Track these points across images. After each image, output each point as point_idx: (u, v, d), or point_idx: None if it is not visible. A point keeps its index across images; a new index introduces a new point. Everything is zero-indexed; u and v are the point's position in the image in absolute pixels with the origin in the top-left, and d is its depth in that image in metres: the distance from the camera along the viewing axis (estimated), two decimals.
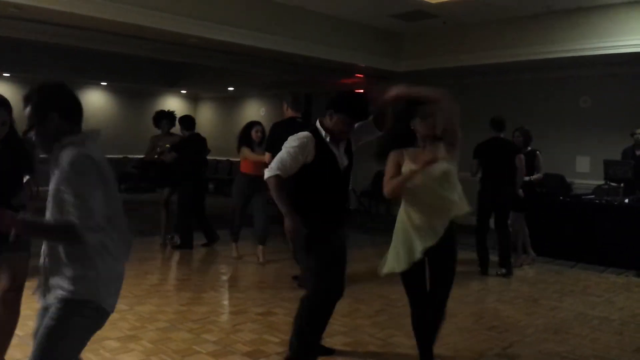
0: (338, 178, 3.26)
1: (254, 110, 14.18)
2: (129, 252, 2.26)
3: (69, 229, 1.92)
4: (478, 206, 6.15)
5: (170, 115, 7.28)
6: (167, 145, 7.00)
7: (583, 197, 7.26)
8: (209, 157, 7.83)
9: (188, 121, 7.15)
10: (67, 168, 1.96)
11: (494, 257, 6.24)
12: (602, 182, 7.30)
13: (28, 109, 2.09)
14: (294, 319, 3.34)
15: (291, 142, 3.14)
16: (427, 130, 3.07)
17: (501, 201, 6.12)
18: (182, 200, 6.98)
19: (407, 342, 3.94)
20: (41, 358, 1.99)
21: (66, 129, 2.08)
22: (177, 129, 7.22)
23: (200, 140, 7.21)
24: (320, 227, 3.17)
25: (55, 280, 2.04)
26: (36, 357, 1.99)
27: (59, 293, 2.01)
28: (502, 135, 6.25)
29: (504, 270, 6.09)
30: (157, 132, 7.28)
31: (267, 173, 3.11)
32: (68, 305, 2.00)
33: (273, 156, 3.30)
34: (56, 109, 2.08)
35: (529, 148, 6.52)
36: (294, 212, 3.06)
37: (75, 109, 2.16)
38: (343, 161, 3.27)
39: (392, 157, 3.12)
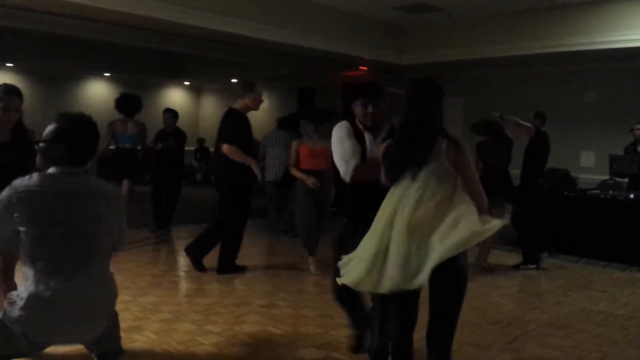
0: None
1: None
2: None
3: None
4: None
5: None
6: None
7: (588, 192, 7.23)
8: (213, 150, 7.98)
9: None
10: None
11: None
12: (607, 177, 7.27)
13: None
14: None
15: (338, 132, 3.07)
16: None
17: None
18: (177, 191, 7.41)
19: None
20: None
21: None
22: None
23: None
24: (349, 220, 3.14)
25: None
26: None
27: None
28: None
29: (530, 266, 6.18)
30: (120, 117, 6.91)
31: (345, 176, 2.95)
32: None
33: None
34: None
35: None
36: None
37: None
38: (374, 152, 2.98)
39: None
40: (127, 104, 6.77)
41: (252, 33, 7.51)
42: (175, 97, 15.01)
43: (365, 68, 10.20)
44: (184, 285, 5.14)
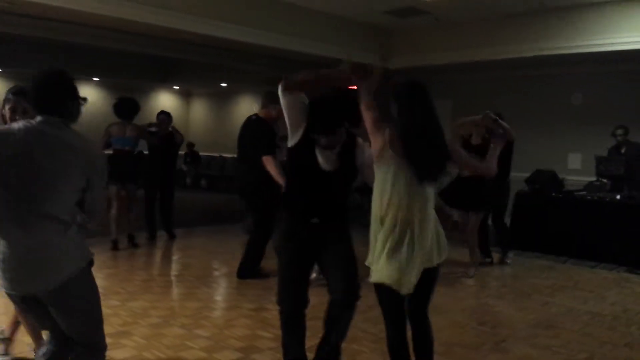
0: (316, 178, 2.87)
1: (247, 107, 14.13)
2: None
3: None
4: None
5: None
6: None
7: (575, 193, 7.30)
8: (203, 154, 7.91)
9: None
10: None
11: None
12: (593, 178, 7.34)
13: None
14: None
15: None
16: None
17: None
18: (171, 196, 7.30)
19: None
20: None
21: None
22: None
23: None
24: (288, 225, 2.97)
25: None
26: None
27: None
28: None
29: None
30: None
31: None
32: None
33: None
34: None
35: None
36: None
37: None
38: (328, 164, 2.85)
39: None
40: (124, 108, 6.74)
41: (241, 37, 7.52)
42: (165, 101, 14.97)
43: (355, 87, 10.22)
44: (173, 290, 5.13)
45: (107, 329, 3.86)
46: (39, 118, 2.32)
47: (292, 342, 3.03)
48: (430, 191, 2.64)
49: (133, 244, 6.71)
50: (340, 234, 2.99)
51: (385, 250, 2.58)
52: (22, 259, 2.19)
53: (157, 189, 7.26)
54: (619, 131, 7.30)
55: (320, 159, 2.84)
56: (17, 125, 2.30)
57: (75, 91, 2.45)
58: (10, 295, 2.30)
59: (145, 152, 7.30)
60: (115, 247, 6.49)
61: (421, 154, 2.58)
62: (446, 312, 4.66)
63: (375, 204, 2.65)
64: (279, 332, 3.85)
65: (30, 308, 2.34)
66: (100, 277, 5.43)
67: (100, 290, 5.00)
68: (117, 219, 6.54)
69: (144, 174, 7.14)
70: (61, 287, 2.22)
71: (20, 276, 2.20)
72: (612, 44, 7.24)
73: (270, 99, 5.34)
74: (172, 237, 7.31)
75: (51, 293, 2.22)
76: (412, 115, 2.63)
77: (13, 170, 2.19)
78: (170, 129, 7.33)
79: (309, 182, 2.91)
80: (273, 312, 4.36)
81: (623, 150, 7.32)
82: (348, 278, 2.94)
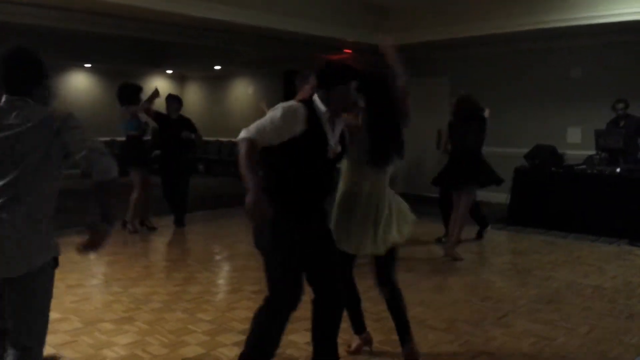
0: (324, 165, 2.72)
1: (242, 89, 14.03)
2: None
3: None
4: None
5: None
6: None
7: (575, 167, 7.28)
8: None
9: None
10: None
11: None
12: (593, 152, 7.32)
13: None
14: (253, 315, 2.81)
15: (278, 112, 2.57)
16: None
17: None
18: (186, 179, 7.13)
19: None
20: None
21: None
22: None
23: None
24: (288, 217, 2.66)
25: None
26: None
27: None
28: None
29: None
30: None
31: (242, 134, 2.54)
32: None
33: None
34: None
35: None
36: (259, 189, 2.47)
37: None
38: (336, 147, 2.72)
39: None
40: (122, 93, 6.70)
41: (234, 18, 7.41)
42: (159, 85, 14.80)
43: (350, 51, 10.13)
44: (174, 275, 5.12)
45: (110, 315, 3.89)
46: (4, 99, 2.22)
47: (278, 338, 2.79)
48: (387, 171, 3.06)
49: (148, 227, 6.83)
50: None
51: (346, 218, 2.99)
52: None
53: (171, 175, 7.03)
54: (620, 105, 7.25)
55: (331, 143, 2.69)
56: None
57: (42, 71, 2.32)
58: None
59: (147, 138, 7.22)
60: (124, 226, 6.63)
61: (381, 142, 2.97)
62: (448, 289, 4.68)
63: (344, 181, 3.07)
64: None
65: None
66: (101, 264, 5.43)
67: (101, 277, 5.02)
68: (136, 201, 6.62)
69: (158, 159, 7.07)
70: (30, 274, 2.15)
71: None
72: (611, 15, 7.16)
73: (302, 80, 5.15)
74: (180, 225, 7.10)
75: (20, 279, 2.14)
76: (378, 106, 3.00)
77: None
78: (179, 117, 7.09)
79: (319, 171, 2.72)
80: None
81: (622, 124, 7.28)
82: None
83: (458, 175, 5.75)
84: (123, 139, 6.90)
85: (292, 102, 2.69)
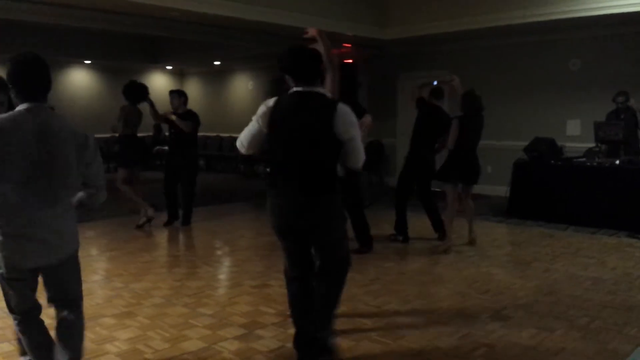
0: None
1: (242, 85, 14.02)
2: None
3: None
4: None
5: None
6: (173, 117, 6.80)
7: (574, 160, 7.28)
8: (200, 134, 7.65)
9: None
10: None
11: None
12: (592, 144, 7.32)
13: None
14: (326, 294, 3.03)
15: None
16: None
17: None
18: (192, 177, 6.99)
19: (401, 309, 3.98)
20: None
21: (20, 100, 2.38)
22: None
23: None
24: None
25: None
26: None
27: None
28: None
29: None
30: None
31: None
32: None
33: None
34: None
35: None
36: None
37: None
38: None
39: None
40: (129, 92, 6.71)
41: (232, 13, 7.40)
42: (159, 81, 14.83)
43: (350, 45, 10.11)
44: (175, 270, 5.14)
45: (111, 310, 3.91)
46: (26, 105, 2.36)
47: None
48: None
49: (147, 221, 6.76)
50: None
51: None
52: (46, 233, 2.41)
53: (174, 173, 6.91)
54: (620, 98, 7.24)
55: None
56: (15, 114, 2.35)
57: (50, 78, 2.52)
58: (15, 271, 2.43)
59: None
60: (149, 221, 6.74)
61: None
62: (447, 282, 4.69)
63: None
64: (281, 307, 3.90)
65: (27, 283, 2.50)
66: (102, 260, 5.45)
67: (103, 272, 5.04)
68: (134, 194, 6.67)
69: (164, 155, 7.05)
70: (72, 256, 2.55)
71: (43, 249, 2.41)
72: (610, 7, 7.13)
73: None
74: (186, 223, 6.97)
75: (64, 262, 2.50)
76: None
77: (29, 153, 2.32)
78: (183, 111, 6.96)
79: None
80: (275, 289, 4.39)
81: (622, 116, 7.27)
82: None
83: (472, 169, 5.77)
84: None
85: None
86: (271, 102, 2.93)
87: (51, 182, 2.37)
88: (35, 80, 2.39)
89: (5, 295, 2.53)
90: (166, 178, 6.99)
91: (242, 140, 2.99)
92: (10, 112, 2.38)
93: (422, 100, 6.11)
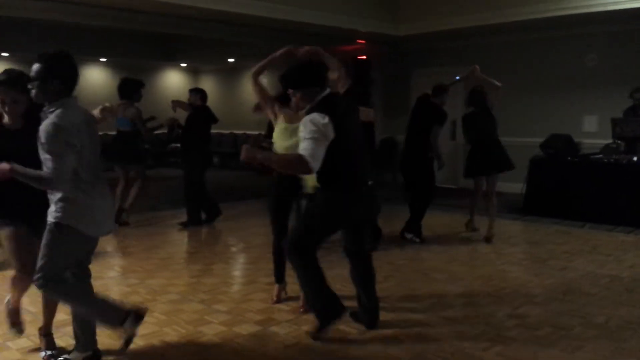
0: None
1: None
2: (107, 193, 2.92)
3: (42, 180, 2.59)
4: (476, 171, 6.15)
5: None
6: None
7: (591, 156, 7.20)
8: (214, 131, 7.64)
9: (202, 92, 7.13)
10: (41, 135, 2.57)
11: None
12: (610, 141, 7.23)
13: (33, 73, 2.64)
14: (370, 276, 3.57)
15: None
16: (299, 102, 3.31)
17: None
18: (191, 175, 6.82)
19: (415, 307, 3.97)
20: (42, 264, 2.69)
21: (63, 94, 2.67)
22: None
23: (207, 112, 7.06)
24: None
25: (50, 209, 2.73)
26: (40, 263, 2.69)
27: (52, 215, 2.71)
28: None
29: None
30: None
31: None
32: (55, 226, 2.69)
33: None
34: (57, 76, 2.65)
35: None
36: None
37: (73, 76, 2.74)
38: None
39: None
40: (124, 88, 6.77)
41: (246, 10, 7.42)
42: (173, 79, 14.93)
43: (364, 41, 10.09)
44: (190, 267, 5.18)
45: (127, 307, 3.94)
46: (73, 97, 2.74)
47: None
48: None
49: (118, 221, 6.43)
50: None
51: None
52: (111, 207, 3.03)
53: (192, 171, 6.79)
54: (638, 94, 7.14)
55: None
56: (78, 110, 2.75)
57: None
58: (91, 238, 2.84)
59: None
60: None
61: None
62: (462, 279, 4.67)
63: None
64: (296, 305, 3.91)
65: (93, 248, 2.94)
66: (118, 256, 5.51)
67: (118, 269, 5.11)
68: (119, 196, 6.66)
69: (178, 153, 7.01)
70: None
71: (111, 219, 2.97)
72: (625, 1, 7.03)
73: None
74: (210, 221, 6.92)
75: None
76: None
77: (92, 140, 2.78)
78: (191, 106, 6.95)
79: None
80: (290, 286, 4.39)
81: None
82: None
83: (491, 161, 5.97)
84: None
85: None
86: (323, 111, 3.07)
87: (98, 163, 2.82)
88: (78, 74, 2.76)
89: (58, 257, 2.71)
90: (186, 177, 6.91)
91: (315, 158, 2.97)
92: (71, 104, 2.70)
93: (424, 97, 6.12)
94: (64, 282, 2.79)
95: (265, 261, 5.23)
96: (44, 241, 2.71)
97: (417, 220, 6.01)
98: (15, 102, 2.83)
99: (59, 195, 2.68)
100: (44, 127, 2.57)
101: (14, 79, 2.82)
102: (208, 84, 15.48)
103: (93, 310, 2.89)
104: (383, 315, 3.59)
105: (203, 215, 6.91)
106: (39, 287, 2.74)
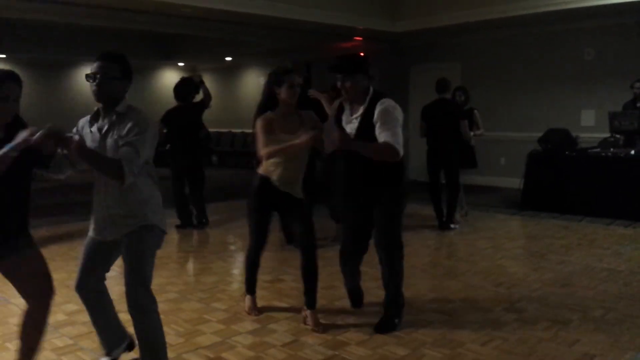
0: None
1: (253, 80, 14.05)
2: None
3: (118, 166, 2.41)
4: (427, 165, 6.35)
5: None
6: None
7: (589, 150, 7.20)
8: (212, 130, 7.55)
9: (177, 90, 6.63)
10: (134, 126, 2.50)
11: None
12: (607, 134, 7.23)
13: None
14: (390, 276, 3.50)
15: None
16: (289, 98, 3.37)
17: (447, 160, 6.24)
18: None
19: (414, 302, 3.97)
20: (139, 276, 2.64)
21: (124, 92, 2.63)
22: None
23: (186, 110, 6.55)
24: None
25: (125, 217, 2.61)
26: (135, 278, 2.65)
27: (135, 222, 2.60)
28: (446, 97, 6.29)
29: (452, 225, 6.33)
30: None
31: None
32: (145, 229, 2.61)
33: None
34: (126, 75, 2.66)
35: (469, 106, 6.72)
36: None
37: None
38: (351, 127, 3.35)
39: (261, 123, 3.36)
40: (177, 90, 6.60)
41: (243, 8, 7.42)
42: (171, 78, 14.91)
43: (361, 38, 10.08)
44: (189, 265, 5.19)
45: (126, 306, 3.94)
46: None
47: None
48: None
49: None
50: None
51: None
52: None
53: (182, 173, 6.54)
54: (638, 84, 7.14)
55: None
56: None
57: None
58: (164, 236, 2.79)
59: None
60: None
61: None
62: (461, 274, 4.68)
63: None
64: (294, 302, 3.92)
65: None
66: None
67: (117, 269, 5.08)
68: None
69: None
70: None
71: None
72: None
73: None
74: (200, 225, 6.68)
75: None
76: None
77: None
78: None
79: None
80: (288, 283, 4.42)
81: (638, 104, 7.17)
82: None
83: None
84: None
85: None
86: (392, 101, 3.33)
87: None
88: None
89: (150, 265, 2.71)
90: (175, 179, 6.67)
91: (401, 145, 3.19)
92: (133, 104, 2.64)
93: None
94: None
95: (264, 259, 5.21)
96: (131, 255, 2.62)
97: (455, 209, 6.40)
98: (4, 99, 2.45)
99: (134, 196, 2.59)
100: (136, 121, 2.53)
101: (18, 77, 2.54)
102: (206, 83, 15.48)
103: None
104: (382, 312, 3.59)
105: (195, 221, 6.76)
106: (140, 309, 2.66)
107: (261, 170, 3.52)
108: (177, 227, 6.61)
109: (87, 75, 2.61)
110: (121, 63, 2.64)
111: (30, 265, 2.57)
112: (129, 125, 2.51)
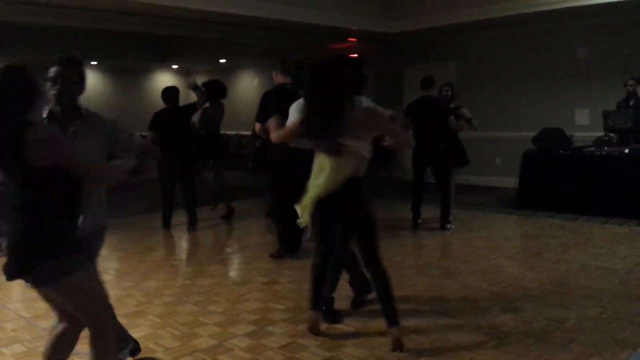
0: None
1: (248, 82, 14.04)
2: None
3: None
4: (412, 163, 6.36)
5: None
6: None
7: (583, 149, 7.22)
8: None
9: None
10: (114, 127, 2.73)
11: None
12: (602, 133, 7.26)
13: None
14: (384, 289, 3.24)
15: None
16: None
17: (433, 157, 6.20)
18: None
19: (411, 302, 3.97)
20: None
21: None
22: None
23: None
24: None
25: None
26: None
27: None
28: (431, 94, 6.29)
29: (448, 225, 6.26)
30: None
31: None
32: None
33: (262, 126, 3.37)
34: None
35: (456, 104, 6.62)
36: None
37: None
38: None
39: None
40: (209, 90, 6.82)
41: (236, 10, 7.41)
42: (165, 81, 14.87)
43: (355, 39, 10.08)
44: (185, 268, 5.17)
45: (122, 309, 3.92)
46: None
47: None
48: None
49: None
50: None
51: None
52: None
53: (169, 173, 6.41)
54: (631, 82, 7.18)
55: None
56: None
57: None
58: None
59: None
60: None
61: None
62: (457, 274, 4.68)
63: None
64: (291, 304, 3.91)
65: None
66: (112, 259, 5.49)
67: (113, 272, 5.08)
68: None
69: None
70: None
71: None
72: None
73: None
74: (191, 229, 6.59)
75: None
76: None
77: None
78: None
79: None
80: (285, 285, 4.40)
81: (632, 103, 7.20)
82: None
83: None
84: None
85: None
86: None
87: None
88: None
89: None
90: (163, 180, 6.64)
91: None
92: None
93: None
94: None
95: (260, 261, 5.23)
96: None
97: (449, 209, 6.27)
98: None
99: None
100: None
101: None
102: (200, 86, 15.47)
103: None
104: (379, 312, 3.58)
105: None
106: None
107: None
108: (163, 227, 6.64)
109: (46, 79, 2.56)
110: (80, 68, 2.66)
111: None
112: (108, 128, 2.69)
